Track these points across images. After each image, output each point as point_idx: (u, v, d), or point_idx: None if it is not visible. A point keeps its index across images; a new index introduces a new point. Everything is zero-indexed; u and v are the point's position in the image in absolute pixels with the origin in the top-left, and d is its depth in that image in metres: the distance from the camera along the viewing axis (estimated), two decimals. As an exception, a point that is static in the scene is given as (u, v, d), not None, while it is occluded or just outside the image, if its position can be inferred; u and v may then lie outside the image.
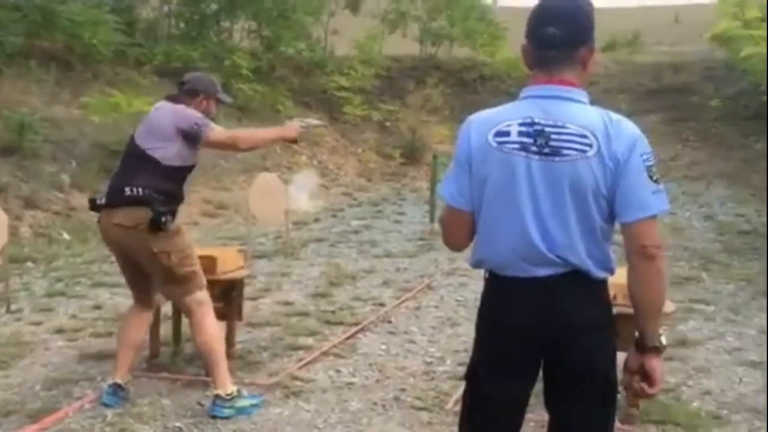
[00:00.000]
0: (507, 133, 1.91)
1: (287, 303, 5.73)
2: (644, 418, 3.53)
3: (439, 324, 5.29)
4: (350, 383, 4.01)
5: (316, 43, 19.07)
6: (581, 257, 1.89)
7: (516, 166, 1.89)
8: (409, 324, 5.27)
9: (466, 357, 3.94)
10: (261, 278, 6.57)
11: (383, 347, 4.71)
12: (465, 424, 2.10)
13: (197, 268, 3.59)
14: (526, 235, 1.89)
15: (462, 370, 3.09)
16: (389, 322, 5.32)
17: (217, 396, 3.50)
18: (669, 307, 3.67)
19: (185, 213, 10.20)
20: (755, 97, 15.69)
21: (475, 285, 1.96)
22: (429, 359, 4.50)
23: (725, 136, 16.69)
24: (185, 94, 3.67)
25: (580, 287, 1.91)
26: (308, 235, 9.21)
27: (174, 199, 3.55)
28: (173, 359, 4.33)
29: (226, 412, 3.47)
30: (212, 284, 4.00)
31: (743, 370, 4.29)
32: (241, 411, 3.50)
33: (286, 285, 6.38)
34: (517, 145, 1.90)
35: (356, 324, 5.14)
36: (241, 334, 4.81)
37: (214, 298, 3.99)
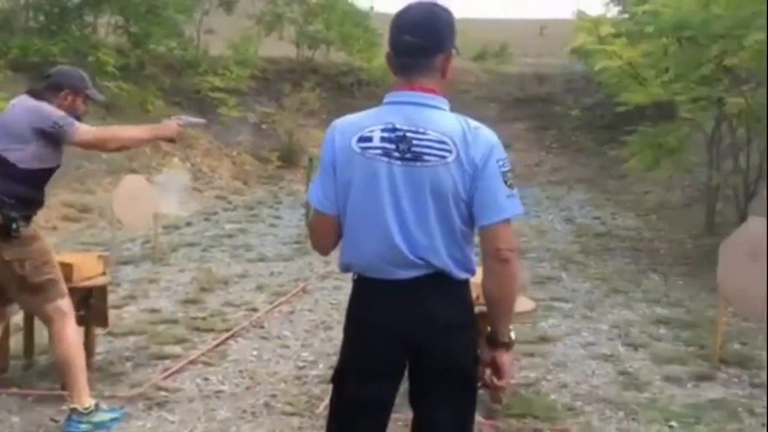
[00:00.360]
0: (370, 139, 1.95)
1: (154, 310, 5.52)
2: (506, 412, 3.68)
3: (313, 328, 5.28)
4: (219, 391, 3.93)
5: (188, 41, 18.52)
6: (443, 259, 1.94)
7: (378, 171, 1.93)
8: (282, 329, 5.23)
9: (338, 360, 3.95)
10: (126, 285, 6.29)
11: (255, 353, 4.64)
12: (332, 426, 2.12)
13: (56, 275, 3.38)
14: (389, 238, 1.93)
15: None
16: (262, 327, 5.25)
17: (73, 410, 3.32)
18: (529, 305, 3.87)
19: (44, 217, 9.61)
20: (609, 108, 16.81)
21: (350, 288, 1.99)
22: (301, 364, 4.48)
23: (584, 144, 17.82)
24: (48, 88, 3.40)
25: (443, 288, 1.97)
26: (179, 239, 8.93)
27: (29, 203, 3.31)
28: (24, 373, 4.06)
29: (83, 427, 3.29)
30: (70, 292, 3.79)
31: (596, 363, 4.58)
32: (98, 426, 3.33)
33: (153, 292, 6.15)
34: (379, 151, 1.93)
35: (227, 330, 5.03)
36: (103, 344, 4.60)
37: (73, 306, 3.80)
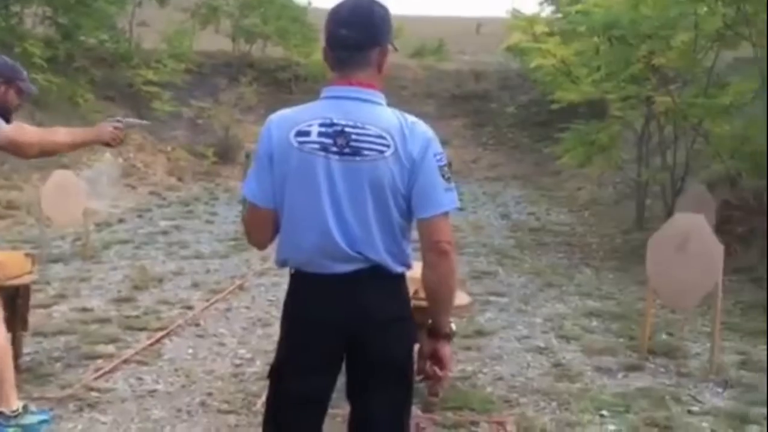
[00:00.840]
0: (308, 133, 1.94)
1: (85, 309, 5.36)
2: (443, 405, 3.72)
3: (250, 325, 5.23)
4: (153, 391, 3.84)
5: (120, 34, 18.00)
6: (380, 253, 1.96)
7: (316, 166, 1.93)
8: (218, 326, 5.15)
9: (274, 357, 3.91)
10: (55, 284, 6.09)
11: (190, 351, 4.56)
12: (269, 423, 2.11)
13: None
14: (327, 232, 1.93)
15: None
16: (197, 325, 5.16)
17: (0, 414, 3.20)
18: (466, 299, 3.92)
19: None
20: (544, 105, 17.17)
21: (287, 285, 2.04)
22: (238, 361, 4.43)
23: (519, 141, 18.15)
24: None
25: (379, 282, 1.98)
26: (111, 236, 8.70)
27: None
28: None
29: (10, 431, 3.18)
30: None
31: (531, 356, 4.68)
32: (27, 429, 3.21)
33: (84, 290, 5.97)
34: (317, 145, 1.93)
35: (162, 329, 4.93)
36: (31, 345, 4.45)
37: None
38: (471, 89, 20.00)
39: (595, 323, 5.53)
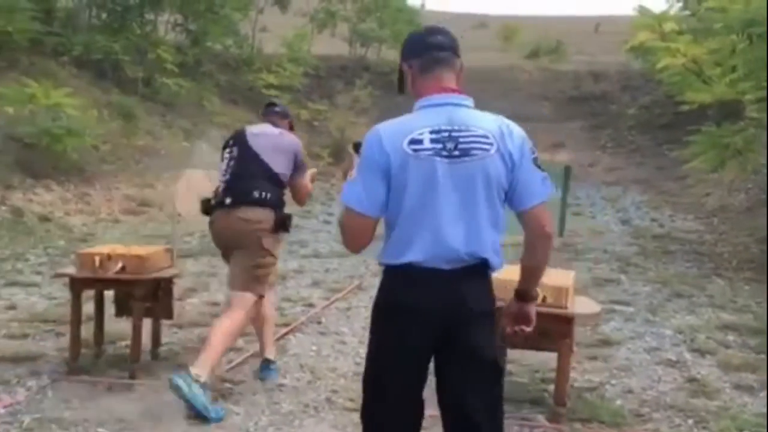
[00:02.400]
0: (420, 141, 2.05)
1: (215, 303, 5.59)
2: (571, 416, 3.61)
3: (369, 325, 5.27)
4: (281, 385, 3.95)
5: (243, 39, 18.77)
6: (487, 250, 2.10)
7: (432, 171, 2.05)
8: (339, 325, 5.25)
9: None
10: (188, 278, 6.40)
11: (314, 348, 4.66)
12: (367, 413, 2.23)
13: (269, 279, 3.94)
14: (442, 237, 2.06)
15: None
16: (319, 322, 5.28)
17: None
18: (596, 308, 3.79)
19: (106, 210, 9.88)
20: (669, 107, 16.45)
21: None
22: (359, 360, 4.47)
23: (640, 144, 17.44)
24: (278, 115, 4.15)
25: (479, 277, 2.13)
26: (235, 234, 9.05)
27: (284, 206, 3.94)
28: (95, 361, 4.16)
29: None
30: (140, 283, 3.89)
31: (662, 369, 4.46)
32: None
33: (213, 285, 6.24)
34: (430, 151, 2.05)
35: (286, 325, 5.07)
36: (168, 335, 4.69)
37: (142, 297, 3.89)
38: (589, 90, 19.45)
39: (731, 337, 5.20)
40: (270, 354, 4.09)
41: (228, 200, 3.79)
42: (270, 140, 3.92)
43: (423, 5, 35.86)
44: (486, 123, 2.10)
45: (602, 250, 8.85)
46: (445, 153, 2.05)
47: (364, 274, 6.86)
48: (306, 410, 3.64)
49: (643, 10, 9.62)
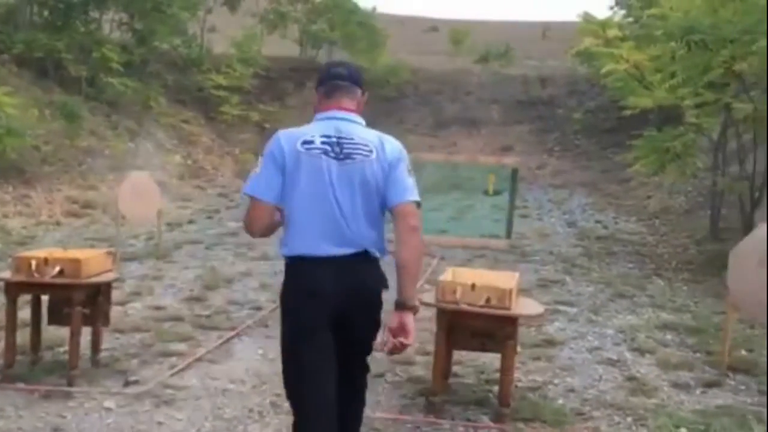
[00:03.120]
0: (312, 142, 2.46)
1: (159, 308, 5.50)
2: (514, 416, 3.66)
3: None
4: (225, 389, 3.91)
5: (192, 39, 18.49)
6: (367, 241, 2.46)
7: (321, 166, 2.44)
8: (286, 328, 5.20)
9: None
10: (131, 282, 6.27)
11: (260, 352, 4.62)
12: (295, 385, 2.58)
13: None
14: (332, 221, 2.42)
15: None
16: (266, 326, 5.23)
17: None
18: (538, 308, 3.85)
19: (47, 212, 9.61)
20: (613, 111, 16.79)
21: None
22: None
23: (586, 148, 17.79)
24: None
25: (365, 265, 2.47)
26: (182, 237, 8.92)
27: None
28: (32, 368, 4.04)
29: None
30: (78, 288, 3.79)
31: (603, 368, 4.56)
32: None
33: (158, 289, 6.13)
34: (320, 150, 2.45)
35: (232, 329, 5.02)
36: (109, 341, 4.58)
37: (80, 302, 3.79)
38: (537, 95, 19.74)
39: (669, 336, 5.35)
40: None
41: None
42: None
43: (374, 8, 36.01)
44: (368, 136, 2.51)
45: (548, 251, 9.00)
46: (332, 154, 2.45)
47: (313, 277, 6.82)
48: (251, 415, 3.60)
49: (587, 17, 9.84)
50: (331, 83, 2.57)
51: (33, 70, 13.13)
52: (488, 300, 3.56)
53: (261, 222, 2.51)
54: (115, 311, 5.27)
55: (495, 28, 30.00)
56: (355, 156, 2.46)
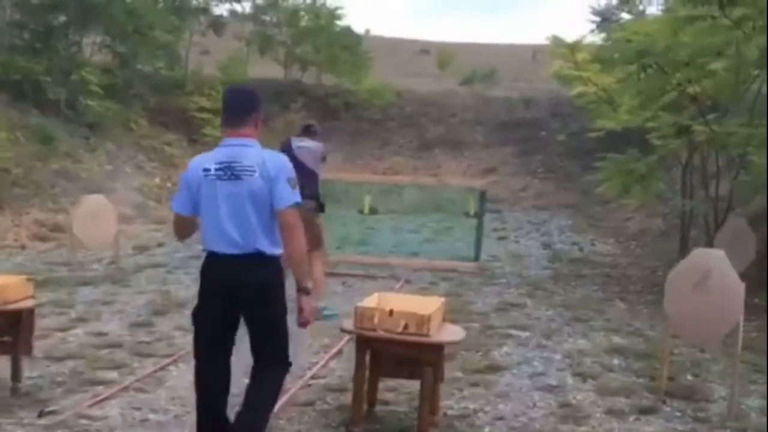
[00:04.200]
0: (209, 170, 3.11)
1: (101, 334, 5.43)
2: (435, 445, 3.60)
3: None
4: (145, 420, 3.83)
5: (175, 62, 18.55)
6: (259, 242, 3.07)
7: (215, 188, 3.09)
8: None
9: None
10: (79, 307, 6.20)
11: (192, 380, 4.53)
12: (195, 347, 3.30)
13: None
14: (223, 230, 3.07)
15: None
16: (207, 352, 5.15)
17: None
18: (459, 335, 3.79)
19: (13, 236, 9.56)
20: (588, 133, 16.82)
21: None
22: (238, 391, 4.33)
23: (569, 170, 17.75)
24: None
25: (257, 260, 3.08)
26: (147, 260, 8.86)
27: None
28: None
29: None
30: (-7, 316, 3.73)
31: (539, 394, 4.48)
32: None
33: (106, 314, 6.05)
34: (214, 176, 3.09)
35: (170, 356, 4.94)
36: (40, 368, 4.52)
37: (-4, 331, 3.73)
38: (520, 117, 19.75)
39: (617, 361, 5.28)
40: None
41: None
42: (308, 149, 6.13)
43: (368, 31, 36.18)
44: (253, 158, 3.08)
45: (517, 274, 8.94)
46: (225, 177, 3.07)
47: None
48: (163, 446, 3.53)
49: (556, 40, 9.88)
50: (226, 115, 3.19)
51: (10, 93, 13.14)
52: (406, 326, 3.51)
53: (183, 230, 3.32)
54: (54, 338, 5.27)
55: (487, 51, 30.10)
56: (243, 177, 3.06)
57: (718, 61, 5.97)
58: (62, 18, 14.92)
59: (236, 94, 3.30)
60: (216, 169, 3.06)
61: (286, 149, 5.91)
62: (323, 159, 6.31)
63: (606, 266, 9.72)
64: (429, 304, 3.75)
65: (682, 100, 7.06)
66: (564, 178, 17.60)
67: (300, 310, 3.12)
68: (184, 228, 3.28)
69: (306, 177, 5.41)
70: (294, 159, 5.26)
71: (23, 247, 9.14)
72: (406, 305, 3.71)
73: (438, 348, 3.63)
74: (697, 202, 8.27)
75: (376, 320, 3.53)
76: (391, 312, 3.54)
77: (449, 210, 14.14)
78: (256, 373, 3.25)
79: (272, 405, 3.32)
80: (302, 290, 3.11)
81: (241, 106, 3.16)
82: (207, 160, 3.12)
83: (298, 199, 3.07)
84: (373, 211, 14.39)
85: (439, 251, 10.43)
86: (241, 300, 3.08)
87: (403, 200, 15.43)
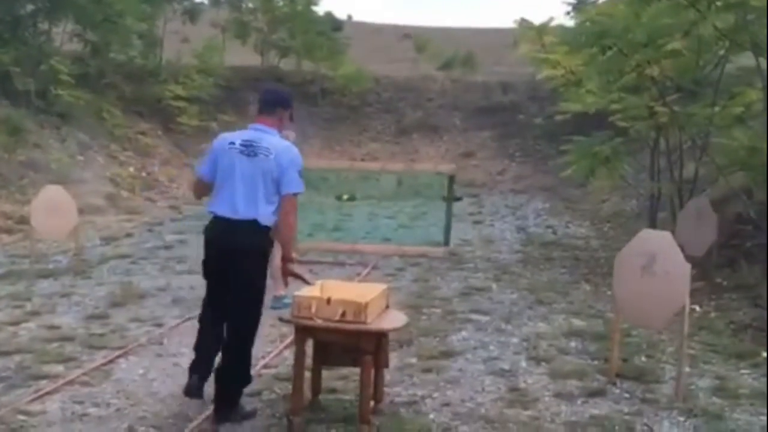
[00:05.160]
0: (234, 143, 3.72)
1: (53, 327, 5.36)
2: (376, 433, 3.57)
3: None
4: (85, 414, 3.78)
5: (149, 50, 18.34)
6: (258, 212, 3.64)
7: (234, 160, 3.68)
8: (181, 345, 5.06)
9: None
10: (36, 300, 6.14)
11: (141, 372, 4.50)
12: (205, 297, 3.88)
13: None
14: (233, 196, 3.64)
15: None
16: (161, 344, 5.11)
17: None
18: (400, 321, 3.75)
19: (-22, 229, 9.43)
20: (573, 116, 16.79)
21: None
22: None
23: (547, 153, 17.72)
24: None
25: (251, 228, 3.63)
26: (113, 251, 8.77)
27: None
28: None
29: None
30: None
31: (490, 379, 4.47)
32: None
33: (62, 307, 5.99)
34: (237, 150, 3.70)
35: (121, 348, 4.89)
36: (-16, 363, 4.47)
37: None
38: (498, 101, 19.72)
39: (573, 344, 5.28)
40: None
41: None
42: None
43: (350, 17, 35.91)
44: (271, 143, 3.69)
45: (486, 258, 8.93)
46: (245, 153, 3.68)
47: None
48: (100, 440, 3.49)
49: (524, 23, 9.81)
50: (259, 106, 3.85)
51: (-23, 84, 12.96)
52: (343, 314, 3.48)
53: (200, 191, 3.92)
54: (5, 332, 5.20)
55: (468, 35, 29.98)
56: (259, 155, 3.66)
57: (675, 42, 5.93)
58: (30, 7, 14.69)
59: (269, 91, 4.03)
60: (240, 144, 3.67)
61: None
62: None
63: (577, 249, 9.72)
64: (370, 292, 3.71)
65: (642, 81, 7.03)
66: (541, 161, 17.59)
67: (283, 271, 3.83)
68: (203, 190, 3.86)
69: None
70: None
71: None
72: (347, 293, 3.67)
73: (376, 335, 3.60)
74: (663, 183, 8.26)
75: (313, 309, 3.49)
76: (329, 300, 3.50)
77: (426, 195, 14.09)
78: (229, 328, 3.74)
79: (250, 348, 3.79)
80: (288, 259, 3.76)
81: (270, 101, 3.82)
82: (234, 136, 3.74)
83: (302, 188, 3.67)
84: (352, 197, 14.36)
85: (412, 237, 10.41)
86: (231, 260, 3.60)
87: (382, 186, 15.40)
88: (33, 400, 3.91)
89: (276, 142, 3.69)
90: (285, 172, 3.62)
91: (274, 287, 6.01)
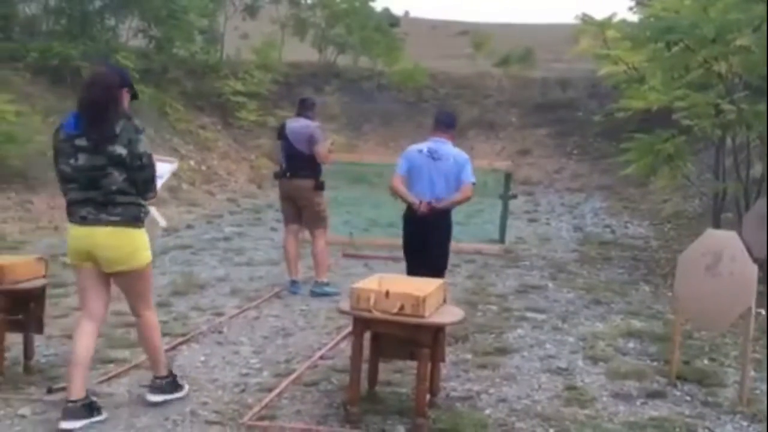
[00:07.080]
0: (422, 150, 5.06)
1: (119, 314, 5.47)
2: (432, 426, 3.59)
3: (272, 334, 5.26)
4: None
5: (211, 46, 18.72)
6: (443, 194, 4.96)
7: (424, 162, 5.00)
8: (240, 334, 5.21)
9: (286, 368, 3.97)
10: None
11: (203, 359, 4.62)
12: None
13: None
14: (424, 187, 4.98)
15: (277, 381, 4.18)
16: (220, 332, 5.24)
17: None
18: (458, 316, 3.76)
19: (47, 218, 9.81)
20: (634, 113, 16.42)
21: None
22: (246, 371, 4.45)
23: (605, 151, 17.38)
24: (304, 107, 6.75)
25: (445, 213, 5.07)
26: (175, 242, 9.00)
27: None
28: None
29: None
30: (3, 294, 3.84)
31: (547, 377, 4.44)
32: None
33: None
34: (426, 155, 5.02)
35: (183, 335, 5.03)
36: (56, 346, 4.67)
37: (5, 309, 3.84)
38: (557, 98, 19.41)
39: (632, 345, 5.19)
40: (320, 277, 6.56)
41: (287, 173, 6.53)
42: (296, 132, 6.48)
43: (407, 13, 35.92)
44: (450, 150, 5.03)
45: (542, 256, 8.84)
46: (431, 158, 5.00)
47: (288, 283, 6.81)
48: (164, 424, 3.60)
49: (586, 18, 9.65)
50: (435, 123, 5.19)
51: (49, 78, 13.44)
52: (402, 307, 3.51)
53: (400, 185, 5.04)
54: (74, 317, 5.36)
55: (526, 31, 29.62)
56: (442, 159, 4.97)
57: (744, 37, 5.74)
58: (98, 3, 15.16)
59: (444, 113, 5.56)
60: (426, 152, 5.02)
61: (281, 133, 6.63)
62: (313, 138, 6.40)
63: (636, 249, 9.53)
64: (428, 286, 3.73)
65: (709, 78, 6.83)
66: (600, 159, 17.25)
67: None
68: (401, 184, 5.02)
69: (300, 159, 6.40)
70: (286, 141, 6.53)
71: (56, 229, 9.36)
72: (405, 287, 3.69)
73: (434, 329, 3.61)
74: (730, 182, 8.02)
75: (372, 301, 3.52)
76: (387, 293, 3.53)
77: (482, 192, 14.00)
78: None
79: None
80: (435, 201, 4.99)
81: (444, 122, 5.18)
82: (421, 146, 5.09)
83: (473, 179, 5.00)
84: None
85: (467, 233, 10.36)
86: (423, 239, 5.02)
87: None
88: (101, 382, 4.06)
89: (451, 150, 5.04)
90: (462, 169, 4.94)
91: (315, 273, 6.61)
